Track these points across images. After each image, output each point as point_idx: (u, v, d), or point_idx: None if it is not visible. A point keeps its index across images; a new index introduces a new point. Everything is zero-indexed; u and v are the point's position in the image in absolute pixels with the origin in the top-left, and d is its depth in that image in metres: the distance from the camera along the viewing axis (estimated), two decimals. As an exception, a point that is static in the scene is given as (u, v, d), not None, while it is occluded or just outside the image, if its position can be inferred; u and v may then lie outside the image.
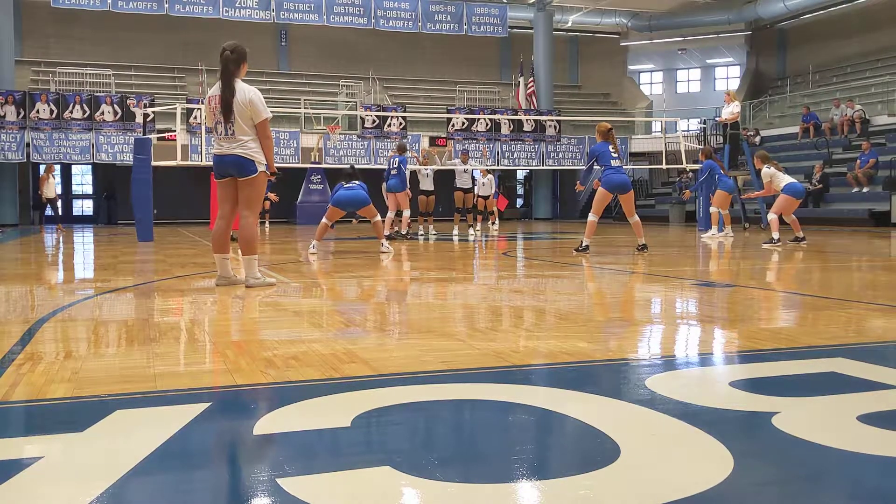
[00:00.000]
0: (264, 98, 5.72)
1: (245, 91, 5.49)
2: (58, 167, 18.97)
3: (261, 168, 5.58)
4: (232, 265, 5.86)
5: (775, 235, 10.85)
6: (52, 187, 18.46)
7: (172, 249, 10.87)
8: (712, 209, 14.05)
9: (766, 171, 11.31)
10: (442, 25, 28.20)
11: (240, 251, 5.75)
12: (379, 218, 9.78)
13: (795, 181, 11.44)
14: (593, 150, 9.62)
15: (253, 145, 5.53)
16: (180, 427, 2.05)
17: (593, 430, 2.03)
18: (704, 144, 19.96)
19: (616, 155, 9.47)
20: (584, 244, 9.40)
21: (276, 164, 5.82)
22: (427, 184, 14.88)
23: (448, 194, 15.95)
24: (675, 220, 23.91)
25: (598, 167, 9.50)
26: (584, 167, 11.09)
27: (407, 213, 13.35)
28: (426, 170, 15.02)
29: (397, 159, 12.99)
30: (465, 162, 15.34)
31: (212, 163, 5.80)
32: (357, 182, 9.55)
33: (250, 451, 1.97)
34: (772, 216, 11.18)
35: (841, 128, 23.18)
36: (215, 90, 5.59)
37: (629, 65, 34.66)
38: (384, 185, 13.51)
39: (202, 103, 21.25)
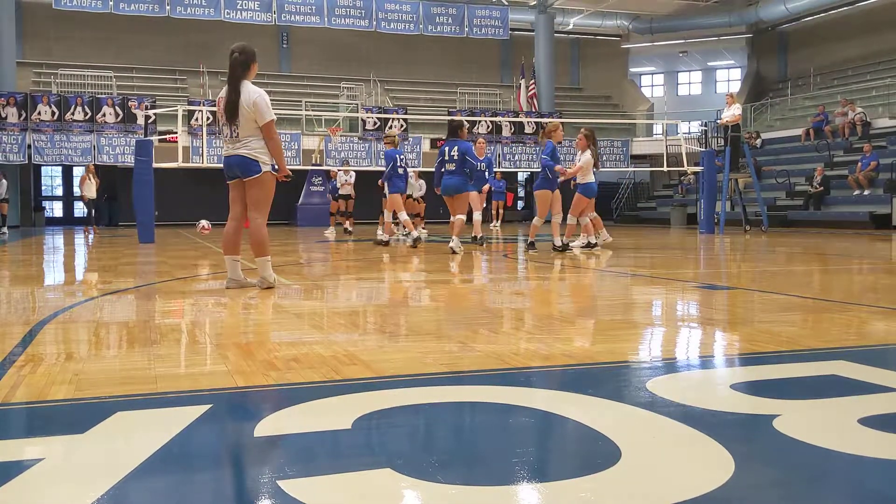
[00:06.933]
0: (265, 99, 5.70)
1: (250, 93, 5.46)
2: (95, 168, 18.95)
3: (265, 168, 5.54)
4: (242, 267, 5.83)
5: (593, 239, 10.63)
6: (93, 188, 18.29)
7: (173, 251, 10.87)
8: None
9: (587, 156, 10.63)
10: (443, 27, 28.23)
11: (252, 254, 5.72)
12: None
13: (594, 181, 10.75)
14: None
15: (257, 145, 5.50)
16: (181, 429, 2.05)
17: (594, 433, 2.03)
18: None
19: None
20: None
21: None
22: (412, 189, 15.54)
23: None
24: (677, 223, 23.92)
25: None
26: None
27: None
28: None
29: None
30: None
31: (221, 165, 5.81)
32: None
33: (251, 453, 1.96)
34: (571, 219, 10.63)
35: (842, 130, 23.18)
36: (224, 92, 5.59)
37: (630, 67, 34.70)
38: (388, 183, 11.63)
39: (203, 105, 21.32)
